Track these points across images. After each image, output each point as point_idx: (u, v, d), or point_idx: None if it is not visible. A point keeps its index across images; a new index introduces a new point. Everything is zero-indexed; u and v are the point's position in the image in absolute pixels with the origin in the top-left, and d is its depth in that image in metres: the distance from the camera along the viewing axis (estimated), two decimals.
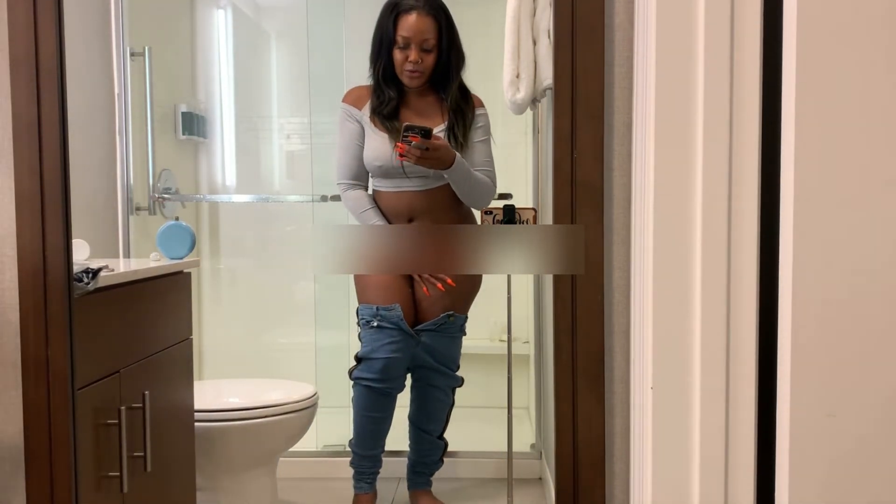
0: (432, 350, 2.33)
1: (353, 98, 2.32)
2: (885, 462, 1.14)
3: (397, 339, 2.27)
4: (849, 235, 1.13)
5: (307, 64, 3.23)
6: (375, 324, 2.27)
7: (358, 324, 2.34)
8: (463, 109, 2.29)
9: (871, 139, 1.12)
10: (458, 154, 2.18)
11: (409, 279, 2.33)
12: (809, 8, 1.11)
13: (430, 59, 2.23)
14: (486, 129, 2.34)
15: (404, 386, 2.37)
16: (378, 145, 2.24)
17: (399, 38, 2.20)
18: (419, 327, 2.31)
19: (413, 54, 2.19)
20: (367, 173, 2.32)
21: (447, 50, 2.24)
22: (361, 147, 2.29)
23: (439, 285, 2.28)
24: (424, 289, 2.30)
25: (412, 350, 2.31)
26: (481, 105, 2.34)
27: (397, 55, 2.22)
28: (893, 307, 1.13)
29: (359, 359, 2.32)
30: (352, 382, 2.33)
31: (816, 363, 1.14)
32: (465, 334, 2.41)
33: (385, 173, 2.25)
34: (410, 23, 2.18)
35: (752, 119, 1.22)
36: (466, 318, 2.39)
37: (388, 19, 2.21)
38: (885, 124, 1.11)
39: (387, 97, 2.27)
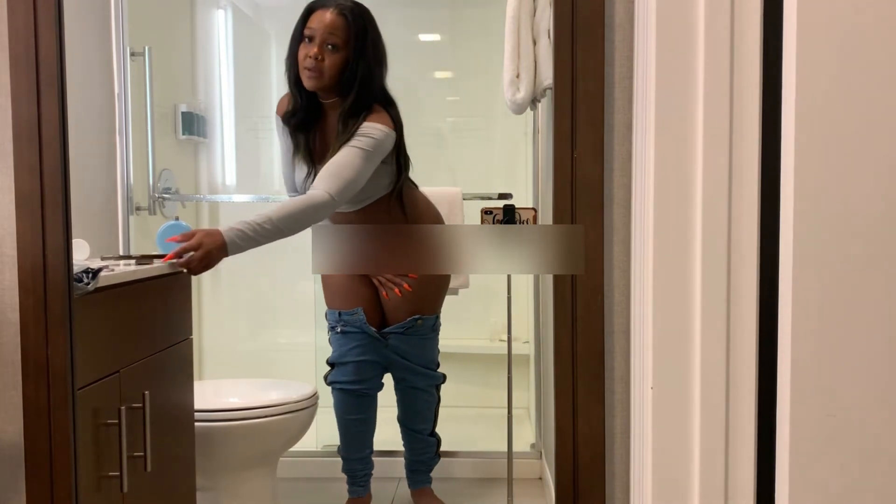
0: (404, 352, 2.31)
1: (281, 109, 2.18)
2: (886, 462, 1.14)
3: (363, 342, 2.25)
4: (849, 235, 1.13)
5: None
6: (339, 329, 2.26)
7: (328, 329, 2.34)
8: (346, 120, 2.03)
9: (871, 139, 1.12)
10: (224, 235, 1.81)
11: (372, 282, 2.29)
12: (809, 7, 1.11)
13: (333, 60, 2.01)
14: (364, 142, 2.00)
15: (382, 385, 2.36)
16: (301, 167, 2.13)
17: (306, 31, 2.02)
18: (386, 330, 2.29)
19: (315, 49, 2.00)
20: None
21: (356, 57, 2.02)
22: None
23: (396, 290, 2.22)
24: (384, 294, 2.25)
25: (381, 351, 2.29)
26: (381, 122, 2.03)
27: (300, 52, 2.03)
28: (893, 307, 1.13)
29: (331, 364, 2.32)
30: (329, 388, 2.33)
31: (816, 363, 1.14)
32: (437, 333, 2.37)
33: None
34: (319, 17, 2.01)
35: (752, 119, 1.22)
36: (437, 317, 2.35)
37: (300, 17, 2.07)
38: (885, 123, 1.11)
39: (298, 107, 2.10)
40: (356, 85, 2.03)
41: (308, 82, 2.03)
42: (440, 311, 2.37)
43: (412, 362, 2.33)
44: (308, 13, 2.05)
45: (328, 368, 2.35)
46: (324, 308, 2.36)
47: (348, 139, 1.99)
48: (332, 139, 2.08)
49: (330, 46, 2.00)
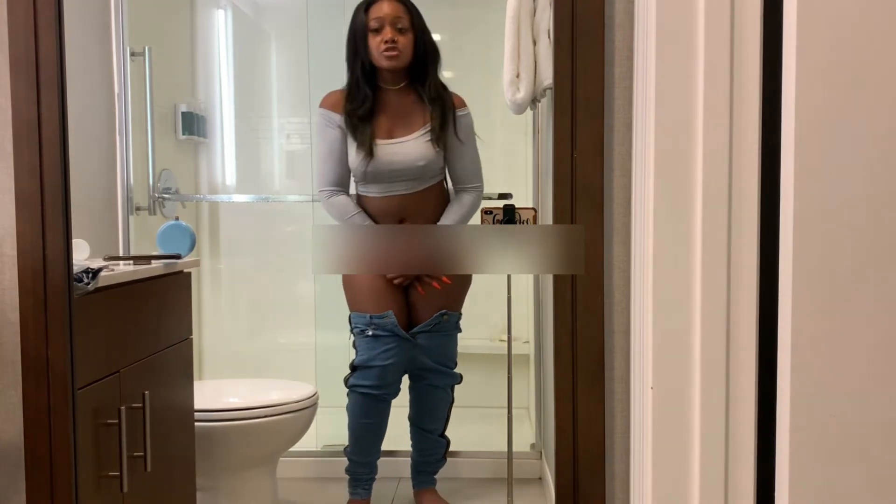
0: (429, 350, 2.33)
1: (330, 103, 2.28)
2: (886, 462, 1.14)
3: (393, 345, 2.26)
4: (849, 235, 1.13)
5: (307, 64, 3.23)
6: (370, 332, 2.26)
7: (352, 332, 2.33)
8: (443, 100, 2.25)
9: (872, 138, 1.12)
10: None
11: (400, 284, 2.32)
12: (809, 7, 1.11)
13: (406, 40, 2.20)
14: (469, 130, 2.30)
15: (399, 390, 2.36)
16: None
17: (372, 23, 2.19)
18: (414, 330, 2.30)
19: (388, 32, 2.18)
20: (349, 179, 2.30)
21: (420, 35, 2.23)
22: (344, 152, 2.26)
23: (434, 284, 2.27)
24: (419, 288, 2.29)
25: (409, 353, 2.30)
26: (463, 105, 2.31)
27: (372, 41, 2.21)
28: (893, 306, 1.13)
29: (354, 367, 2.31)
30: (347, 390, 2.33)
31: (816, 363, 1.14)
32: (460, 331, 2.41)
33: (374, 178, 2.23)
34: (379, 8, 2.20)
35: (752, 118, 1.22)
36: (460, 315, 2.38)
37: (359, 13, 2.23)
38: (886, 122, 1.11)
39: (362, 98, 2.23)
40: (430, 61, 2.24)
41: (389, 62, 2.20)
42: (461, 310, 2.40)
43: (435, 360, 2.35)
44: (366, 8, 2.21)
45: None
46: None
47: (451, 123, 2.24)
48: (398, 121, 2.25)
49: (399, 29, 2.20)
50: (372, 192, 2.27)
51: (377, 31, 2.19)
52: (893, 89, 1.11)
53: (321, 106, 2.29)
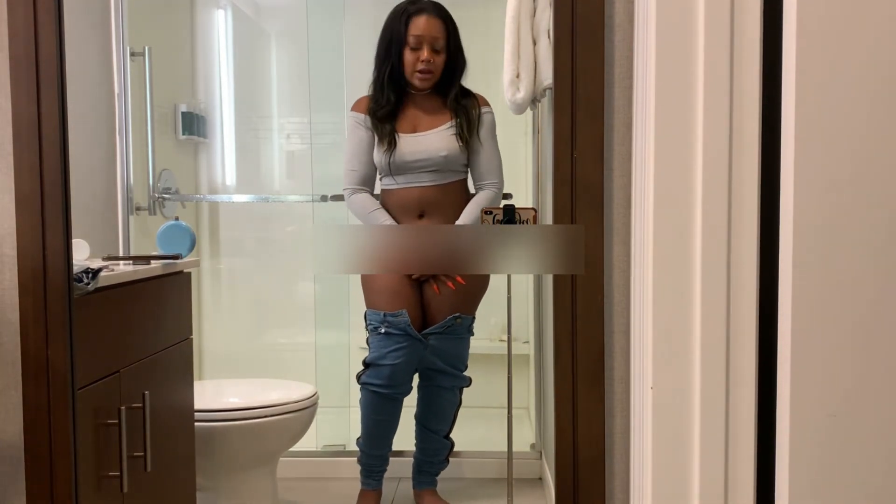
0: (440, 352, 2.34)
1: (361, 106, 2.35)
2: (886, 462, 1.14)
3: (404, 344, 2.27)
4: (849, 235, 1.13)
5: (307, 64, 3.23)
6: (383, 330, 2.27)
7: (366, 328, 2.35)
8: (466, 105, 2.31)
9: (871, 138, 1.12)
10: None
11: (417, 284, 2.33)
12: (809, 8, 1.11)
13: (439, 60, 2.27)
14: (491, 128, 2.35)
15: (411, 389, 2.37)
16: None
17: (411, 39, 2.24)
18: (427, 331, 2.31)
19: (425, 53, 2.23)
20: (374, 179, 2.33)
21: (454, 53, 2.28)
22: (370, 153, 2.31)
23: (450, 283, 2.29)
24: (435, 287, 2.30)
25: (420, 354, 2.31)
26: (486, 104, 2.36)
27: (408, 56, 2.25)
28: (893, 307, 1.13)
29: (366, 364, 2.32)
30: (359, 386, 2.34)
31: (816, 363, 1.14)
32: (472, 335, 2.42)
33: (397, 168, 2.26)
34: (422, 23, 2.23)
35: (752, 118, 1.22)
36: (474, 318, 2.40)
37: (398, 21, 2.25)
38: (884, 123, 1.11)
39: (385, 99, 2.29)
40: (457, 77, 2.32)
41: (423, 83, 2.28)
42: (475, 313, 2.41)
43: (445, 362, 2.36)
44: (407, 20, 2.24)
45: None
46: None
47: (476, 121, 2.31)
48: (423, 118, 2.31)
49: (435, 49, 2.25)
50: (394, 184, 2.30)
51: (415, 49, 2.24)
52: (894, 89, 1.11)
53: (352, 109, 2.36)
